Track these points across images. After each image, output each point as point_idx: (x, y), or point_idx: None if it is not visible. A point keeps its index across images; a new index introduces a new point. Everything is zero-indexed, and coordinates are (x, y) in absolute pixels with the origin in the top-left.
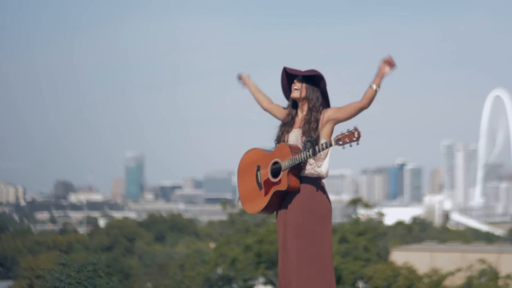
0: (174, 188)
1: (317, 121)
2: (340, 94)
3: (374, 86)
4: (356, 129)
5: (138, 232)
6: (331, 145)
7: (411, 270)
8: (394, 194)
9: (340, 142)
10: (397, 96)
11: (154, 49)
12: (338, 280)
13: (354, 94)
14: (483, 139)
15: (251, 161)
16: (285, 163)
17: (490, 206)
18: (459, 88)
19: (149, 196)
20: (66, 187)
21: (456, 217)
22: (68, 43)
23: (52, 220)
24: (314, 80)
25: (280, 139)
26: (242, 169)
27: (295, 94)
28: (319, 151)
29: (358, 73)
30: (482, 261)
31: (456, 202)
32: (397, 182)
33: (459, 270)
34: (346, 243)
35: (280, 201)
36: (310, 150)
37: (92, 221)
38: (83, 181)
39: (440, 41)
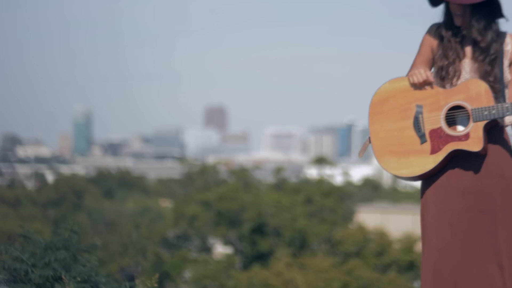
0: (122, 144)
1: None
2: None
3: None
4: None
5: (86, 188)
6: None
7: (382, 235)
8: (342, 153)
9: None
10: (350, 55)
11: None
12: (303, 242)
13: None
14: None
15: (406, 96)
16: (482, 112)
17: None
18: (414, 48)
19: (97, 151)
20: (14, 141)
21: None
22: None
23: None
24: None
25: (448, 72)
26: (382, 104)
27: (458, 22)
28: None
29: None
30: None
31: None
32: (345, 142)
33: None
34: (311, 205)
35: (446, 162)
36: None
37: (40, 176)
38: (31, 135)
39: None
